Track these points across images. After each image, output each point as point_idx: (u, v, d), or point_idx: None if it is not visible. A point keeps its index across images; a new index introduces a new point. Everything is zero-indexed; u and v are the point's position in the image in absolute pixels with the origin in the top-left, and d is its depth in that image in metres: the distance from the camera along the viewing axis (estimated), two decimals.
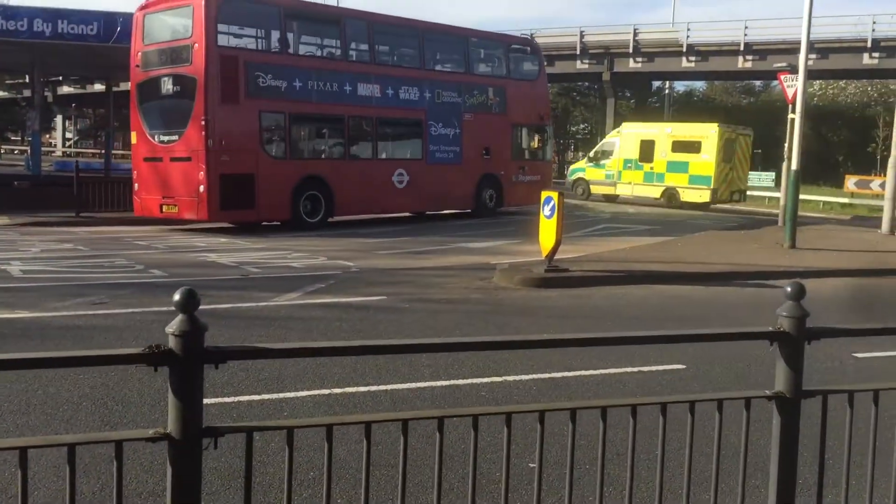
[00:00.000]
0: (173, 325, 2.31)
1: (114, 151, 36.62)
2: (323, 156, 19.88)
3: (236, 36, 18.89)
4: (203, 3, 17.00)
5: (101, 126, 55.35)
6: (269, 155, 18.29)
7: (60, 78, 42.41)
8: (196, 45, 17.12)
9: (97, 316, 8.55)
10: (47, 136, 62.84)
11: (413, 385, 6.27)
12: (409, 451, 2.60)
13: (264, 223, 18.75)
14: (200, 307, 2.32)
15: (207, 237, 17.04)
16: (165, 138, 17.94)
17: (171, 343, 2.31)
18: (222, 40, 17.62)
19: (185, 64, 17.35)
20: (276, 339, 7.69)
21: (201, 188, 17.06)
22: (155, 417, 5.22)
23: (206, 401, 5.70)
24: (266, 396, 5.89)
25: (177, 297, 2.31)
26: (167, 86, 17.82)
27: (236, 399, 5.76)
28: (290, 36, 19.44)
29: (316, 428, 2.65)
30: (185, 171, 17.36)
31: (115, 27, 20.84)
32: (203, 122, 16.95)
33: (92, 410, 5.53)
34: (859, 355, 7.48)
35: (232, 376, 6.09)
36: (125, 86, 45.01)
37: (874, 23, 38.19)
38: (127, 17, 20.98)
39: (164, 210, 17.99)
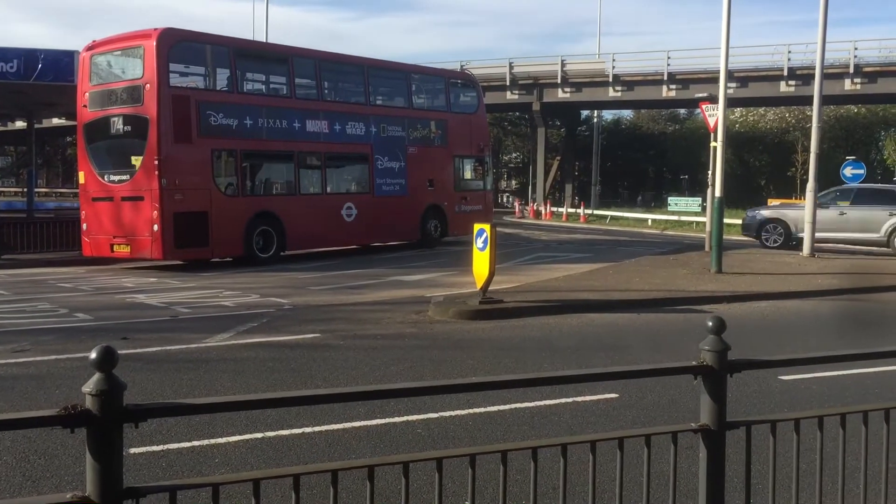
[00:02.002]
0: (90, 385, 2.24)
1: (37, 189, 35.63)
2: (274, 192, 20.00)
3: (187, 75, 18.97)
4: (155, 44, 16.99)
5: (24, 164, 53.82)
6: (222, 192, 18.29)
7: None
8: (148, 85, 17.07)
9: (18, 364, 8.24)
10: None
11: (348, 425, 6.20)
12: (343, 495, 2.57)
13: (216, 259, 18.58)
14: (127, 352, 2.27)
15: (136, 277, 16.65)
16: (116, 178, 17.77)
17: (88, 403, 2.24)
18: (174, 80, 17.71)
19: (137, 104, 17.28)
20: (206, 383, 7.53)
21: (155, 227, 16.98)
22: (80, 470, 5.03)
23: (133, 450, 5.57)
24: (196, 443, 5.74)
25: (93, 355, 2.25)
26: (117, 126, 17.72)
27: (165, 447, 5.61)
28: (239, 75, 19.52)
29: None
30: (138, 211, 17.25)
31: (37, 64, 20.36)
32: (156, 162, 16.91)
33: (13, 465, 5.31)
34: (784, 378, 7.69)
35: (161, 422, 5.92)
36: (48, 123, 44.09)
37: (789, 52, 39.81)
38: (49, 54, 20.56)
39: (115, 250, 17.83)
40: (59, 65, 20.63)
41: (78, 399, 2.29)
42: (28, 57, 20.66)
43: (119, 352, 2.33)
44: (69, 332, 10.02)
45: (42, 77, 20.54)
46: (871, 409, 3.35)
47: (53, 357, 8.51)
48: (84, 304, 12.43)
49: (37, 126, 29.91)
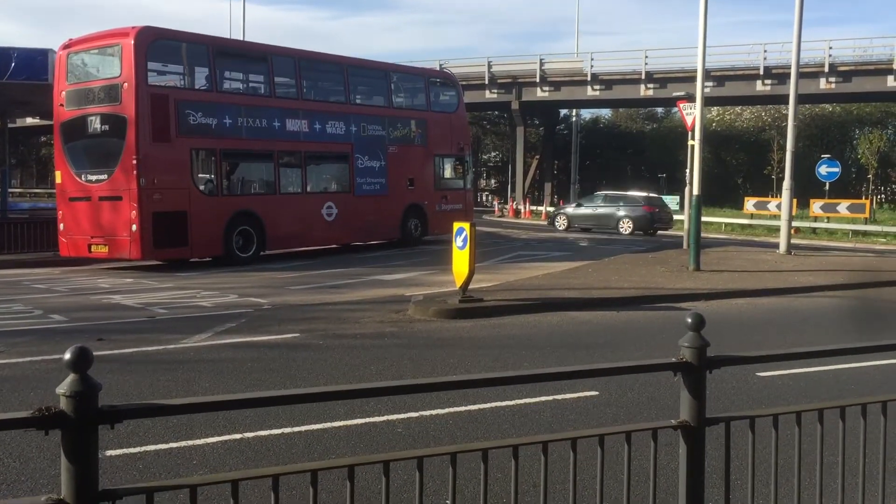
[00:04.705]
0: (64, 386, 2.21)
1: (10, 190, 35.21)
2: (254, 191, 19.92)
3: (165, 74, 18.80)
4: (133, 42, 16.82)
5: None
6: (201, 192, 18.18)
7: None
8: (126, 84, 16.91)
9: None
10: None
11: (328, 425, 6.16)
12: (323, 495, 2.54)
13: (195, 259, 18.44)
14: (104, 353, 2.24)
15: (112, 277, 16.49)
16: (94, 177, 17.60)
17: (63, 404, 2.21)
18: (152, 79, 17.56)
19: (115, 103, 17.12)
20: (184, 384, 7.47)
21: (133, 227, 16.84)
22: (55, 473, 4.97)
23: (109, 452, 5.51)
24: (174, 445, 5.69)
25: (67, 355, 2.21)
26: (95, 125, 17.53)
27: (142, 449, 5.55)
28: (218, 73, 19.38)
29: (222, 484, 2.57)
30: (116, 211, 17.10)
31: (10, 63, 20.11)
32: (134, 161, 16.77)
33: None
34: (762, 374, 7.75)
35: (138, 424, 5.86)
36: (21, 122, 43.55)
37: (765, 51, 40.13)
38: (22, 53, 20.33)
39: (92, 250, 17.67)
40: (33, 63, 20.40)
41: (52, 401, 2.26)
42: (1, 55, 20.41)
43: (94, 353, 2.30)
44: (44, 334, 9.89)
45: (15, 76, 20.30)
46: (847, 405, 3.38)
47: (28, 359, 8.40)
48: (59, 306, 12.29)
49: (10, 126, 29.53)
